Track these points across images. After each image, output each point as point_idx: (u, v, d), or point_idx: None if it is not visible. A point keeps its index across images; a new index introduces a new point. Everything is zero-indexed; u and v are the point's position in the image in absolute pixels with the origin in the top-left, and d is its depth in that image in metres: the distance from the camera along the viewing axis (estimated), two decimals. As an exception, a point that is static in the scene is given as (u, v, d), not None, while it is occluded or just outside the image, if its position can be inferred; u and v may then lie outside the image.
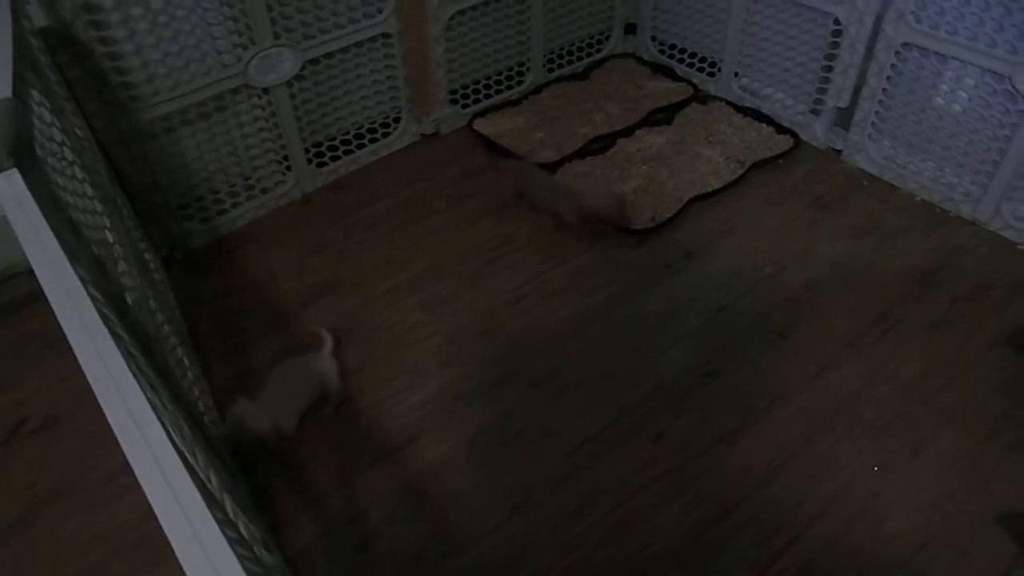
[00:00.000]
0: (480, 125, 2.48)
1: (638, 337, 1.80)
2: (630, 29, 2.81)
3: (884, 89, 2.14)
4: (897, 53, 2.06)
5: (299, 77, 2.07)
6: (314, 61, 2.09)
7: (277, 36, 1.96)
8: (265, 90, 2.03)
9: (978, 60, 1.91)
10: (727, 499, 1.47)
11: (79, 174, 1.20)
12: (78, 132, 1.50)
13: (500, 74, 2.57)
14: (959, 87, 2.02)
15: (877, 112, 2.19)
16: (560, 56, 2.70)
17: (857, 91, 2.21)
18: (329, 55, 2.11)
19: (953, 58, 1.97)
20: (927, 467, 1.51)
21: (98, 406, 0.70)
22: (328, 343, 1.71)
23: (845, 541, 1.39)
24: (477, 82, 2.53)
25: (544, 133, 2.41)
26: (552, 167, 2.27)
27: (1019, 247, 2.00)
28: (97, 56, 1.71)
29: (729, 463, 1.53)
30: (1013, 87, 1.86)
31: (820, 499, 1.46)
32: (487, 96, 2.56)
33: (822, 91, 2.31)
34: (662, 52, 2.75)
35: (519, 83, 2.62)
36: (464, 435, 1.60)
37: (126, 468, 0.64)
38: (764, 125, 2.42)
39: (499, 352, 1.78)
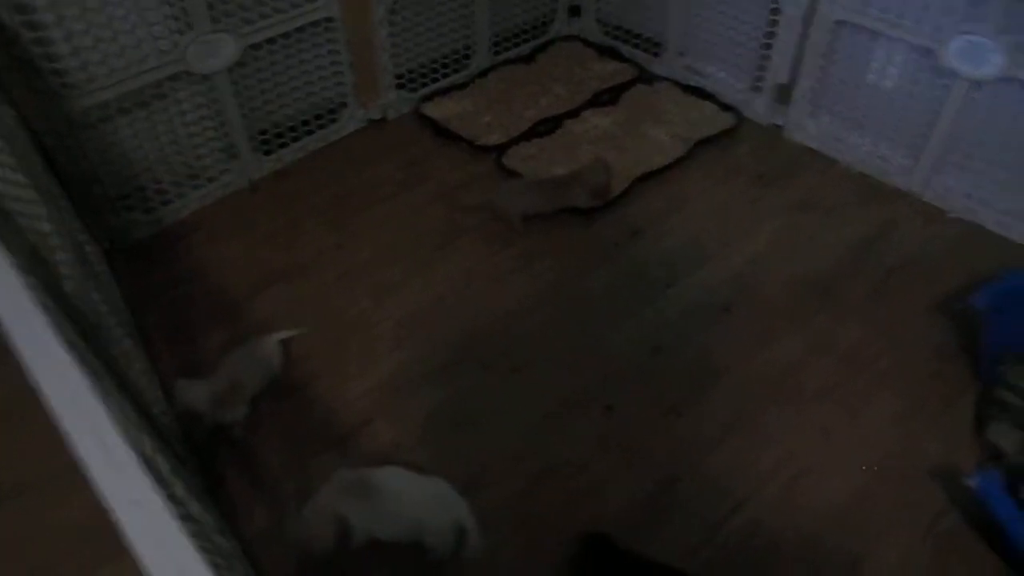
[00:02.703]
0: (427, 109, 2.47)
1: (587, 315, 1.83)
2: (575, 12, 2.82)
3: (820, 66, 2.20)
4: (832, 31, 2.12)
5: (241, 63, 2.03)
6: (256, 47, 2.05)
7: (216, 21, 1.92)
8: (206, 77, 1.99)
9: (906, 37, 1.98)
10: (677, 468, 1.51)
11: (9, 161, 1.17)
12: (7, 120, 1.45)
13: (446, 58, 2.57)
14: (890, 63, 2.09)
15: (815, 89, 2.25)
16: (506, 39, 2.70)
17: (795, 68, 2.27)
18: (271, 40, 2.08)
19: (884, 35, 2.03)
20: (865, 430, 1.57)
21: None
22: (276, 334, 1.69)
23: (789, 502, 1.45)
24: (423, 66, 2.51)
25: (491, 116, 2.42)
26: (499, 149, 2.28)
27: (949, 215, 2.08)
28: (24, 42, 1.65)
29: (678, 433, 1.57)
30: (939, 62, 1.94)
31: (765, 464, 1.51)
32: (434, 80, 2.55)
33: (762, 69, 2.36)
34: (607, 34, 2.77)
35: (465, 66, 2.62)
36: (417, 418, 1.61)
37: (77, 463, 0.64)
38: (708, 103, 2.46)
39: (450, 335, 1.79)
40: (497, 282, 1.92)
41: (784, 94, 2.35)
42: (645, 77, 2.59)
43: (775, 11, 2.23)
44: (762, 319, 1.81)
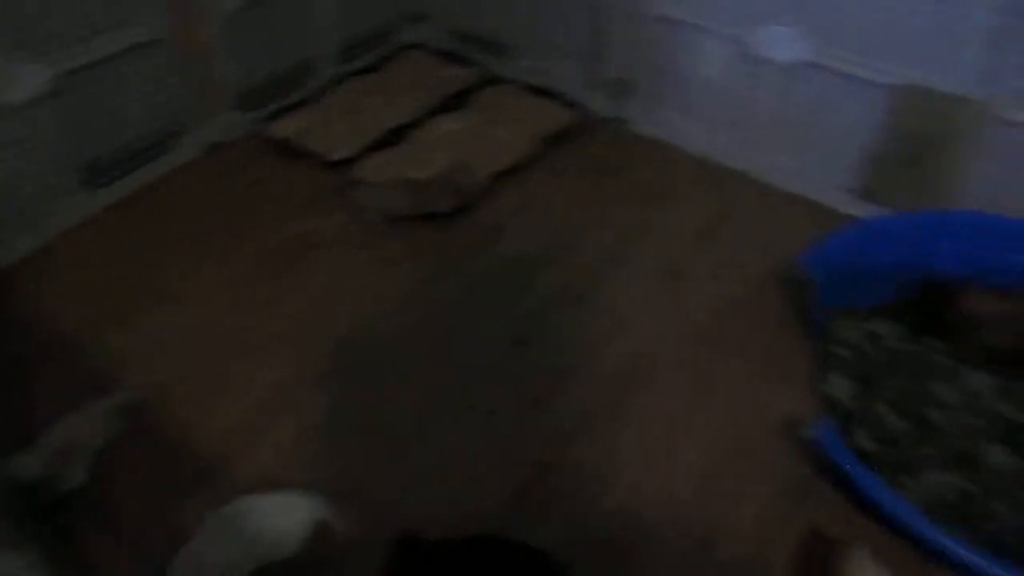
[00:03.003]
0: (274, 128, 2.40)
1: (451, 317, 1.85)
2: (419, 19, 2.83)
3: (652, 59, 2.33)
4: (656, 25, 2.25)
5: (57, 92, 1.89)
6: (74, 72, 1.92)
7: (20, 47, 1.78)
8: (15, 107, 1.84)
9: (720, 28, 2.13)
10: (544, 459, 1.55)
11: None
12: None
13: (289, 73, 2.50)
14: (713, 54, 2.23)
15: (650, 81, 2.38)
16: (350, 49, 2.67)
17: (629, 63, 2.38)
18: (91, 65, 1.95)
19: (701, 27, 2.17)
20: (719, 402, 1.67)
21: None
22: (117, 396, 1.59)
23: (650, 482, 1.52)
24: (265, 84, 2.44)
25: (340, 129, 2.38)
26: (349, 163, 2.25)
27: (780, 191, 2.25)
28: None
29: (544, 425, 1.61)
30: (752, 51, 2.09)
31: (628, 446, 1.58)
32: (278, 97, 2.49)
33: (599, 64, 2.46)
34: (452, 39, 2.80)
35: (310, 81, 2.57)
36: (289, 439, 1.57)
37: None
38: (553, 101, 2.54)
39: (317, 350, 1.75)
40: (358, 292, 1.89)
41: (622, 88, 2.46)
42: (492, 79, 2.64)
43: (601, 7, 2.33)
44: (617, 307, 1.88)
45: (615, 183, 2.27)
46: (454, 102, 2.52)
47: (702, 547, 1.41)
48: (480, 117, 2.46)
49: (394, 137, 2.37)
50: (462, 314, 1.85)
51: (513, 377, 1.70)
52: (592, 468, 1.53)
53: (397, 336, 1.79)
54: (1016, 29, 1.75)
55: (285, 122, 2.41)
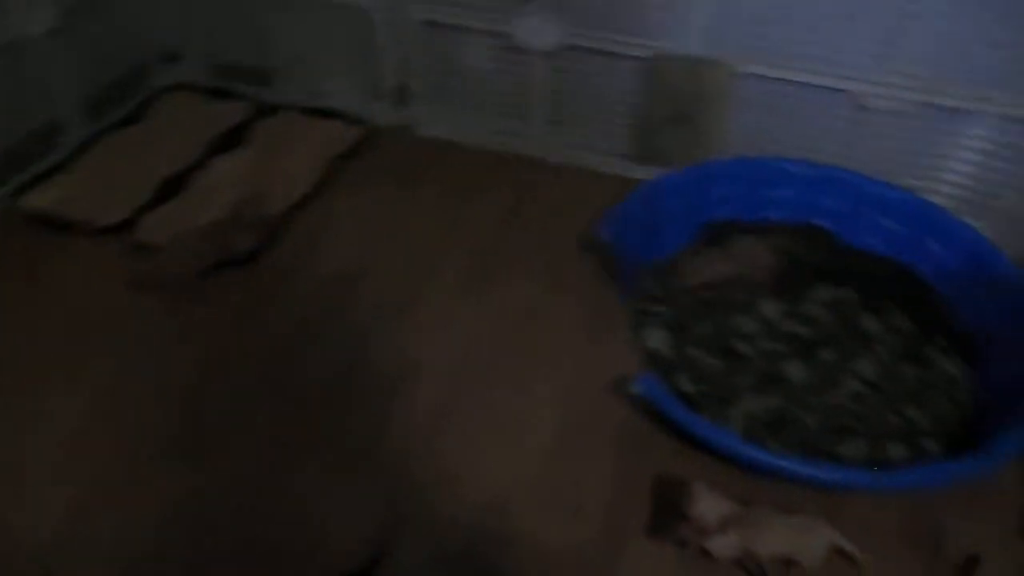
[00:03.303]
0: (28, 201, 2.14)
1: (275, 355, 1.76)
2: (172, 59, 2.65)
3: (426, 62, 2.34)
4: (422, 28, 2.26)
5: None
6: None
7: None
8: None
9: (483, 25, 2.19)
10: (401, 473, 1.53)
11: None
12: None
13: (33, 139, 2.24)
14: (482, 49, 2.29)
15: (428, 83, 2.39)
16: (100, 103, 2.44)
17: (405, 68, 2.38)
18: None
19: (465, 27, 2.22)
20: (551, 375, 1.73)
21: None
22: None
23: (502, 469, 1.55)
24: (7, 154, 2.17)
25: (106, 190, 2.17)
26: (127, 225, 2.07)
27: (568, 167, 2.36)
28: None
29: (396, 439, 1.60)
30: (514, 42, 2.17)
31: (477, 439, 1.60)
32: (25, 167, 2.22)
33: (375, 76, 2.44)
34: (214, 74, 2.65)
35: (60, 144, 2.32)
36: (106, 549, 1.42)
37: None
38: (334, 121, 2.48)
39: (126, 445, 1.59)
40: (167, 363, 1.74)
41: (403, 95, 2.45)
42: (265, 109, 2.53)
43: (366, 21, 2.31)
44: (441, 303, 1.89)
45: (412, 190, 2.27)
46: (230, 140, 2.39)
47: (569, 517, 1.46)
48: (261, 150, 2.36)
49: (172, 188, 2.21)
50: (288, 354, 1.77)
51: (354, 399, 1.67)
52: (443, 471, 1.54)
53: (220, 394, 1.68)
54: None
55: (38, 193, 2.16)
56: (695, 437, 1.47)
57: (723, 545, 1.34)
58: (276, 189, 2.18)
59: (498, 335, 1.82)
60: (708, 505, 1.35)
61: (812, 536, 1.37)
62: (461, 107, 2.43)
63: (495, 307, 1.89)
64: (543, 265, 2.01)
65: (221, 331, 1.82)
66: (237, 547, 1.41)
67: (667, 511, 1.44)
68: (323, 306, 1.88)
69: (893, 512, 1.49)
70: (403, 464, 1.55)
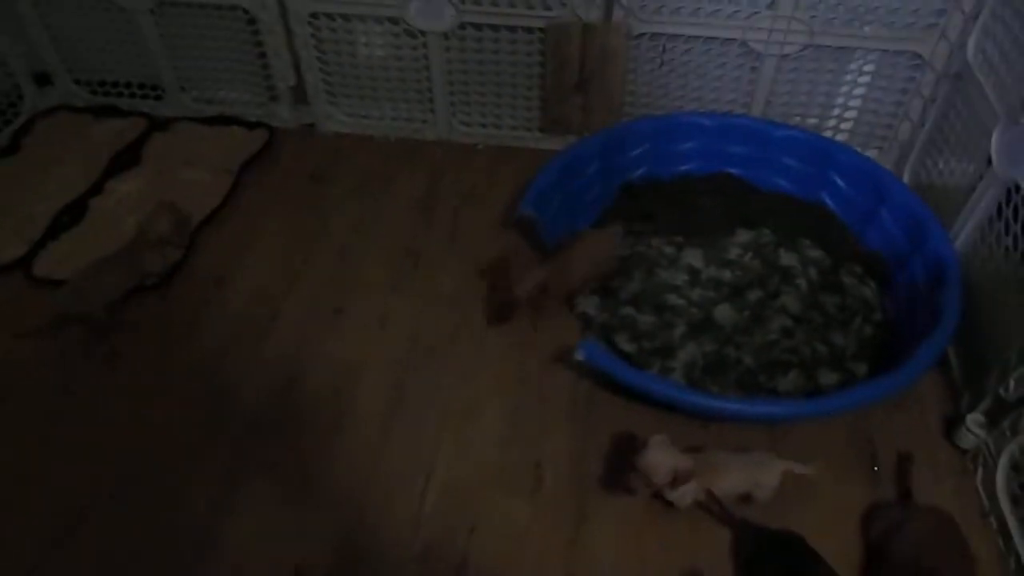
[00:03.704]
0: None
1: (209, 382, 1.70)
2: (44, 80, 2.48)
3: (317, 57, 2.26)
4: (310, 23, 2.19)
5: None
6: None
7: None
8: None
9: (374, 12, 2.13)
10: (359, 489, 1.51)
11: None
12: None
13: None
14: (373, 36, 2.23)
15: (323, 79, 2.32)
16: (-27, 136, 2.27)
17: (297, 67, 2.30)
18: None
19: (356, 15, 2.16)
20: (494, 359, 1.74)
21: None
22: None
23: (463, 453, 1.56)
24: None
25: (-4, 227, 2.04)
26: (24, 262, 1.94)
27: (478, 147, 2.36)
28: None
29: (346, 451, 1.57)
30: (408, 25, 2.13)
31: (428, 436, 1.60)
32: None
33: (269, 78, 2.35)
34: (95, 92, 2.49)
35: (-67, 185, 2.15)
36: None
37: None
38: (235, 127, 2.39)
39: (54, 507, 1.50)
40: (89, 409, 1.64)
41: (299, 94, 2.38)
42: (158, 124, 2.40)
43: (251, 21, 2.22)
44: (373, 302, 1.87)
45: (324, 189, 2.21)
46: (125, 159, 2.26)
47: (530, 495, 1.48)
48: (160, 166, 2.24)
49: (70, 217, 2.08)
50: (222, 377, 1.71)
51: (300, 415, 1.63)
52: (405, 465, 1.54)
53: (162, 439, 1.60)
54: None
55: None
56: (641, 393, 1.51)
57: (681, 495, 1.39)
58: (183, 205, 2.08)
59: (434, 326, 1.81)
60: (656, 455, 1.39)
61: (765, 470, 1.44)
62: (362, 99, 2.37)
63: (425, 299, 1.87)
64: (466, 250, 2.01)
65: (142, 366, 1.73)
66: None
67: (619, 464, 1.49)
68: (250, 324, 1.82)
69: (832, 433, 1.58)
70: (354, 477, 1.52)
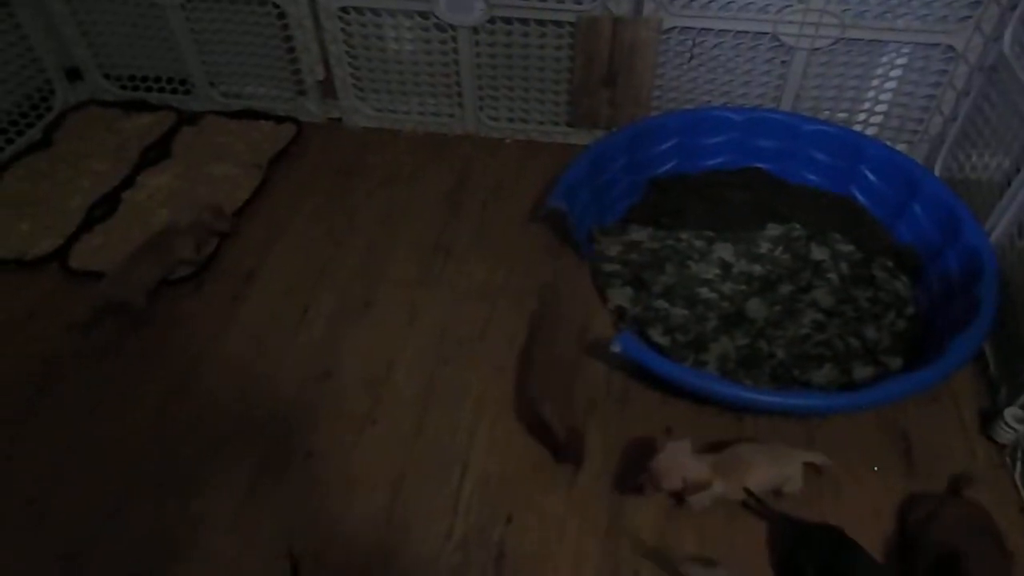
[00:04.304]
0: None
1: (250, 369, 1.72)
2: (75, 75, 2.50)
3: (346, 52, 2.28)
4: (340, 17, 2.20)
5: None
6: None
7: None
8: None
9: (403, 5, 2.14)
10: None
11: None
12: None
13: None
14: (402, 30, 2.24)
15: (352, 73, 2.33)
16: (5, 128, 2.29)
17: (326, 61, 2.32)
18: None
19: (385, 8, 2.17)
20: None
21: None
22: None
23: (507, 437, 1.56)
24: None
25: (29, 222, 2.05)
26: (59, 255, 1.96)
27: (506, 141, 2.36)
28: None
29: (384, 433, 1.58)
30: (437, 19, 2.14)
31: (467, 419, 1.60)
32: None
33: (297, 72, 2.37)
34: (125, 87, 2.52)
35: (-32, 178, 2.17)
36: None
37: None
38: (263, 122, 2.41)
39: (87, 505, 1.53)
40: (123, 403, 1.65)
41: (328, 88, 2.39)
42: (187, 118, 2.42)
43: (281, 15, 2.24)
44: (402, 295, 1.87)
45: (353, 182, 2.22)
46: (155, 153, 2.29)
47: (565, 487, 1.49)
48: (190, 160, 2.26)
49: (100, 211, 2.10)
50: (263, 363, 1.73)
51: (334, 406, 1.64)
52: (448, 449, 1.55)
53: (200, 432, 1.61)
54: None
55: (-46, 233, 2.02)
56: (676, 385, 1.51)
57: (697, 499, 1.38)
58: (213, 200, 2.10)
59: (464, 320, 1.81)
60: (668, 461, 1.36)
61: (788, 463, 1.43)
62: (390, 93, 2.38)
63: (455, 292, 1.88)
64: (494, 243, 2.01)
65: (175, 360, 1.74)
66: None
67: (633, 465, 1.47)
68: (281, 317, 1.83)
69: (866, 426, 1.57)
70: (389, 469, 1.53)
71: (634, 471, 1.44)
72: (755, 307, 1.79)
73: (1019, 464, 1.50)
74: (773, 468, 1.43)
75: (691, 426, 1.57)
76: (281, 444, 1.57)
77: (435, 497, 1.47)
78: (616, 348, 1.51)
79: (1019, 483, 1.49)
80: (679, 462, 1.37)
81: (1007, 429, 1.53)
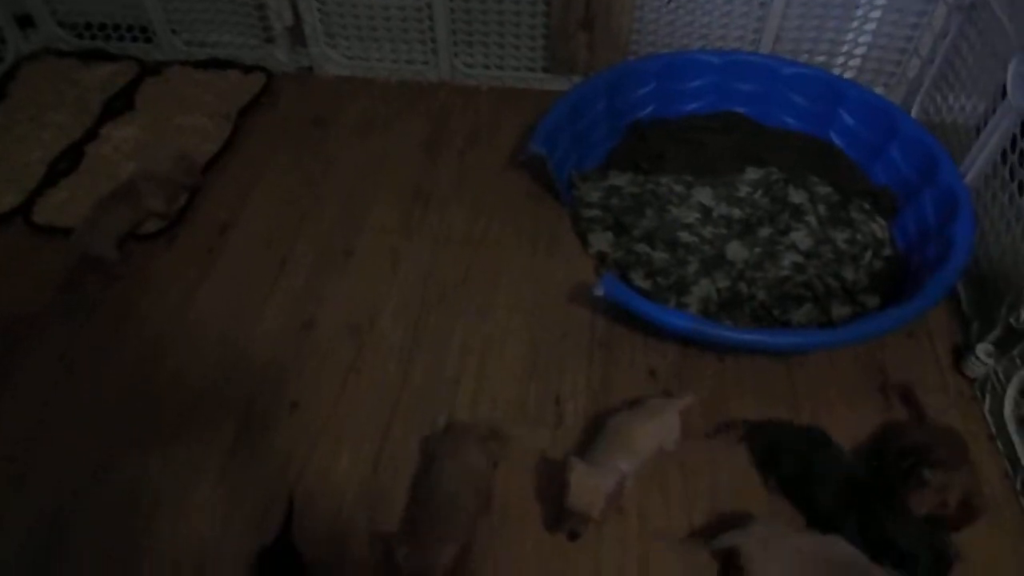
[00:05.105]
0: None
1: (219, 325, 1.69)
2: (26, 22, 2.39)
3: (316, -4, 2.20)
4: (307, -40, 2.12)
5: None
6: None
7: None
8: None
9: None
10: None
11: None
12: None
13: None
14: (372, -27, 2.17)
15: (321, 19, 2.26)
16: (-45, 83, 2.19)
17: (294, 6, 2.23)
18: None
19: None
20: (507, 293, 1.74)
21: None
22: None
23: (491, 385, 1.57)
24: None
25: (-12, 177, 1.98)
26: (23, 210, 1.89)
27: (482, 88, 2.32)
28: None
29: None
30: (410, -41, 2.07)
31: (456, 357, 1.60)
32: None
33: (264, 19, 2.28)
34: (81, 36, 2.41)
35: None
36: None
37: None
38: (230, 71, 2.33)
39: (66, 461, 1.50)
40: (101, 361, 1.62)
41: (297, 35, 2.31)
42: (150, 68, 2.33)
43: (245, -43, 2.15)
44: (383, 244, 1.85)
45: (326, 134, 2.17)
46: (118, 104, 2.20)
47: (551, 428, 1.50)
48: (156, 112, 2.19)
49: (64, 165, 2.03)
50: (237, 319, 1.70)
51: (318, 356, 1.63)
52: (434, 396, 1.55)
53: (185, 380, 1.60)
54: None
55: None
56: (660, 327, 1.52)
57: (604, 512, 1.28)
58: (186, 151, 2.03)
59: (447, 267, 1.80)
60: (582, 490, 1.25)
61: (663, 411, 1.42)
62: (361, 40, 2.31)
63: (436, 240, 1.86)
64: (473, 190, 1.99)
65: (151, 316, 1.71)
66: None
67: (557, 508, 1.34)
68: (259, 269, 1.80)
69: (845, 363, 1.61)
70: (376, 414, 1.53)
71: (561, 516, 1.32)
72: (735, 250, 1.80)
73: (988, 396, 1.55)
74: (652, 422, 1.40)
75: (674, 368, 1.59)
76: (265, 396, 1.56)
77: (422, 441, 1.48)
78: (599, 292, 1.51)
79: (988, 415, 1.54)
80: (591, 488, 1.26)
81: (978, 363, 1.57)
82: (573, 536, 1.28)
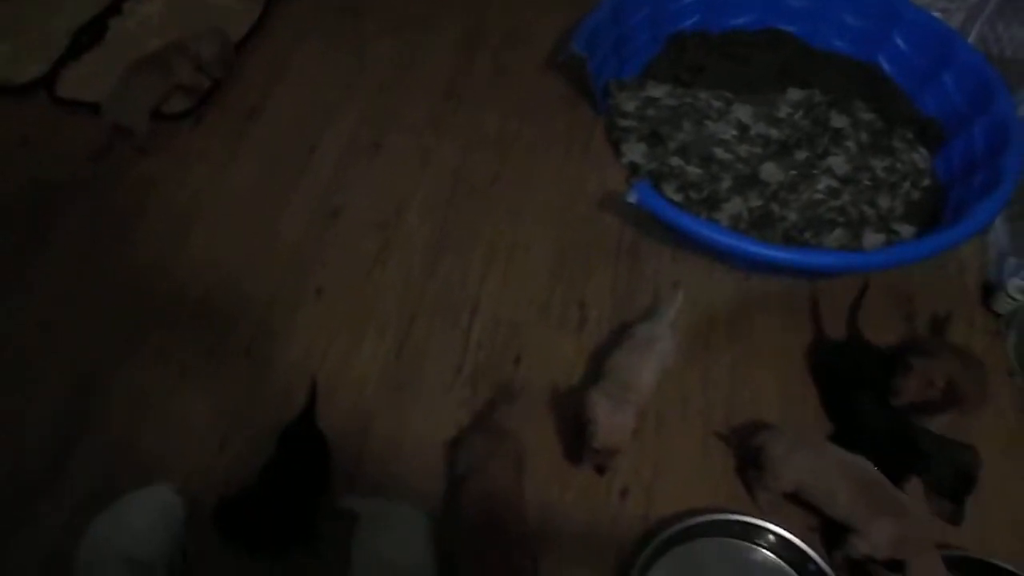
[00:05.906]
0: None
1: (247, 209, 1.68)
2: None
3: None
4: None
5: None
6: None
7: None
8: None
9: None
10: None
11: None
12: None
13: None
14: None
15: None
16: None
17: None
18: None
19: None
20: (536, 194, 1.73)
21: None
22: None
23: (512, 294, 1.57)
24: None
25: (8, 44, 1.92)
26: (46, 82, 1.85)
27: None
28: None
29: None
30: None
31: (476, 271, 1.60)
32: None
33: None
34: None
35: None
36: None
37: None
38: (260, -49, 2.23)
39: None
40: (128, 236, 1.62)
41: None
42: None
43: None
44: (413, 140, 1.81)
45: (359, 25, 2.09)
46: (144, -22, 2.12)
47: (574, 330, 1.50)
48: (183, -12, 2.11)
49: (86, 38, 1.97)
50: (259, 208, 1.68)
51: (343, 245, 1.62)
52: (459, 292, 1.56)
53: (212, 269, 1.60)
54: None
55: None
56: (689, 238, 1.49)
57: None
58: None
59: (477, 167, 1.77)
60: (608, 425, 1.21)
61: (660, 346, 1.34)
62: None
63: (468, 139, 1.82)
64: (507, 92, 1.93)
65: (178, 193, 1.69)
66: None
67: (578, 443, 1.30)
68: (287, 156, 1.77)
69: (873, 290, 1.58)
70: (400, 307, 1.54)
71: (584, 452, 1.27)
72: (770, 170, 1.76)
73: (1012, 333, 1.54)
74: (650, 357, 1.31)
75: (699, 284, 1.58)
76: (290, 281, 1.56)
77: (445, 336, 1.48)
78: (632, 198, 1.48)
79: (1011, 351, 1.53)
80: (618, 426, 1.21)
81: (1008, 299, 1.55)
82: (601, 470, 1.31)
